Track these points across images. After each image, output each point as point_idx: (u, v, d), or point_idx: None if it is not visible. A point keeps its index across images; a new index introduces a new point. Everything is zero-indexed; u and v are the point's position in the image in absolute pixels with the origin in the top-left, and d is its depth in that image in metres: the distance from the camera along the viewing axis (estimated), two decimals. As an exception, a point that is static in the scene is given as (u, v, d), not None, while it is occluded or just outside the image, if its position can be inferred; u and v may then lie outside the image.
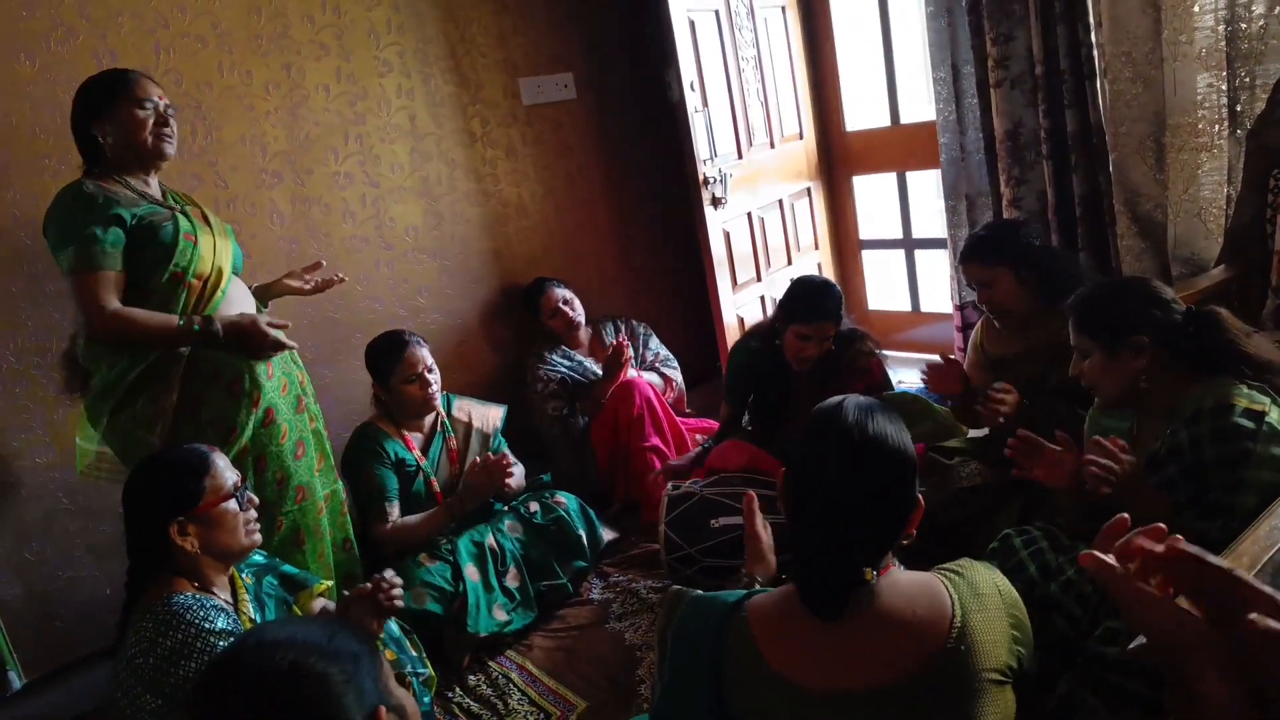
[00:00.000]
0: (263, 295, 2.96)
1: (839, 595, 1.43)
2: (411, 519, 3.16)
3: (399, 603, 2.18)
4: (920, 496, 1.51)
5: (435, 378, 3.27)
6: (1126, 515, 1.23)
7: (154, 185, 2.58)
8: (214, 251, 2.56)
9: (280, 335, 2.53)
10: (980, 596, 1.47)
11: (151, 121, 2.48)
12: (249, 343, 2.48)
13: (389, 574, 2.20)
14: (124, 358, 2.44)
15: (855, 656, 1.42)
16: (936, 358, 2.96)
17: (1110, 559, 1.15)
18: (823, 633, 1.44)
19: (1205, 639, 1.11)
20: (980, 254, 2.93)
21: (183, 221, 2.51)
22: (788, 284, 3.27)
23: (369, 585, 2.17)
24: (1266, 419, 1.90)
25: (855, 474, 1.44)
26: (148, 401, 2.46)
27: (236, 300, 2.64)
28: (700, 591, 1.70)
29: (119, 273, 2.39)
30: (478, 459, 3.28)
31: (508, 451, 3.40)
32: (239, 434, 2.52)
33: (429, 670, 2.61)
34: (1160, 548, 1.12)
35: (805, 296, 3.13)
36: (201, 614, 1.88)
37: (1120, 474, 1.96)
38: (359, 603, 2.15)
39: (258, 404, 2.56)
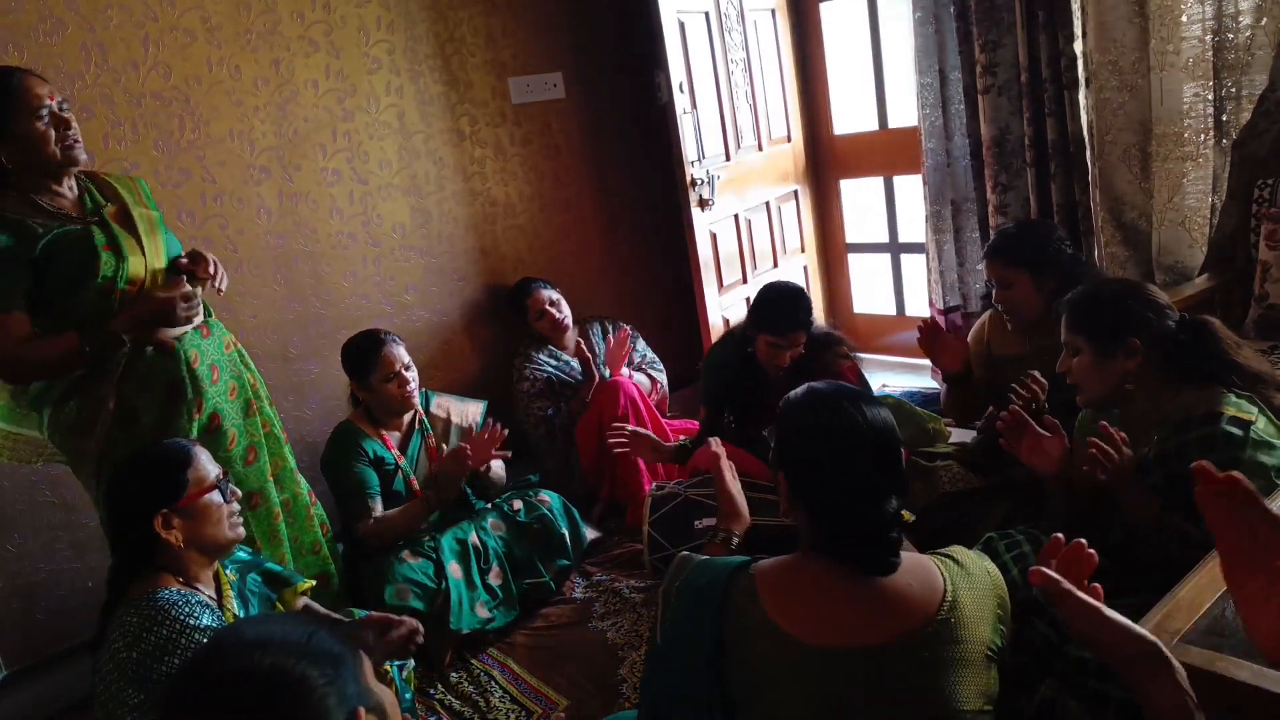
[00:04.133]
0: None
1: (894, 548, 1.53)
2: (392, 513, 3.15)
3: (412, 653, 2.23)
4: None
5: (413, 376, 3.25)
6: (1060, 536, 1.30)
7: (68, 189, 2.41)
8: (143, 254, 2.41)
9: (183, 288, 2.41)
10: (970, 576, 1.57)
11: (53, 131, 2.28)
12: (160, 320, 2.39)
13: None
14: None
15: (851, 618, 1.50)
16: (941, 324, 2.97)
17: (1055, 575, 1.24)
18: (825, 594, 1.54)
19: (1147, 649, 1.24)
20: (1004, 254, 2.91)
21: (98, 234, 2.34)
22: (757, 291, 3.26)
23: (401, 620, 2.19)
24: (1253, 427, 1.92)
25: (875, 455, 1.56)
26: (78, 408, 2.39)
27: None
28: (705, 557, 1.77)
29: (20, 314, 2.27)
30: (456, 441, 3.28)
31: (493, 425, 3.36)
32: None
33: (411, 659, 2.60)
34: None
35: (775, 307, 3.11)
36: (186, 610, 1.88)
37: (1118, 463, 1.97)
38: (378, 637, 2.15)
39: (200, 409, 2.49)
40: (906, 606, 1.50)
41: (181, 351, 2.46)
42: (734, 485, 2.17)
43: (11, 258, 2.24)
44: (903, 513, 1.55)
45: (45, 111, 2.27)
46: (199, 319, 2.52)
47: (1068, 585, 1.29)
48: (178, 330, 2.46)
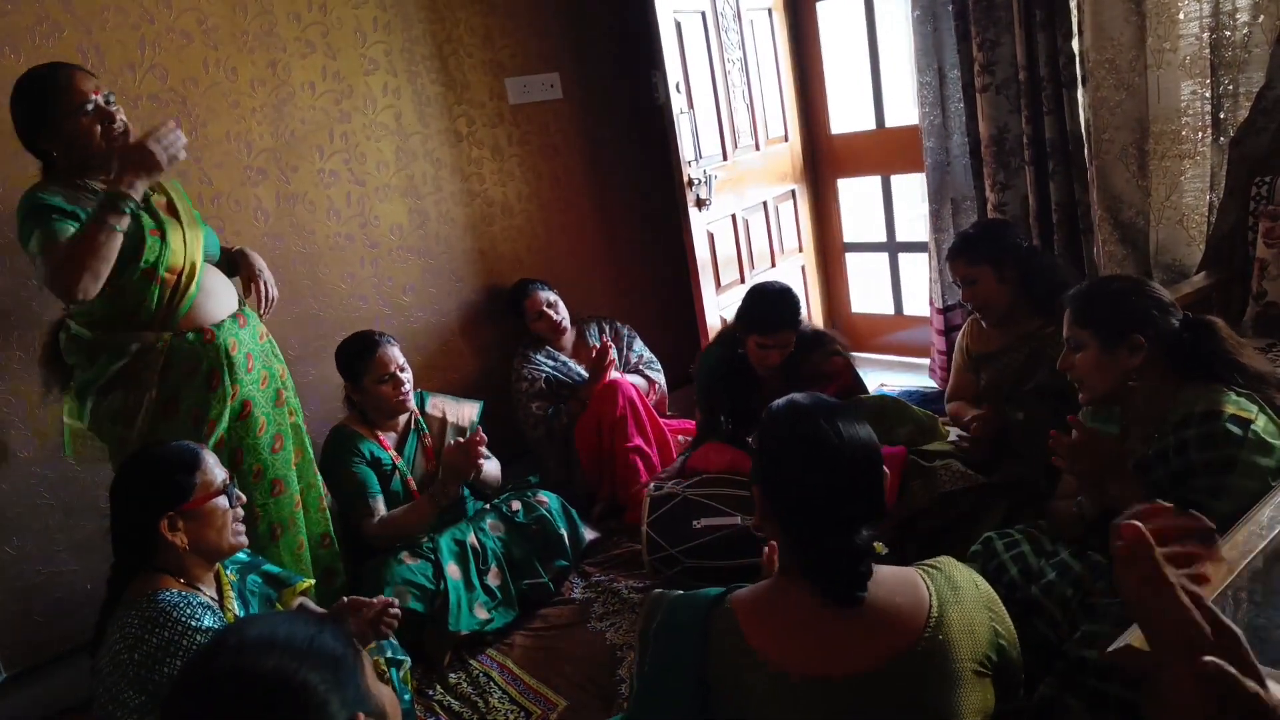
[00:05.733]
0: None
1: (861, 582, 1.47)
2: (397, 512, 3.16)
3: (391, 630, 2.24)
4: (885, 468, 1.58)
5: (408, 377, 3.25)
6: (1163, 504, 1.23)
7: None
8: (184, 244, 2.51)
9: (162, 139, 2.35)
10: (957, 589, 1.52)
11: (98, 126, 2.39)
12: (144, 162, 2.31)
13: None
14: (102, 354, 2.45)
15: (837, 645, 1.46)
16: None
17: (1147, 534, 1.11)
18: (807, 619, 1.49)
19: (1198, 642, 1.06)
20: (965, 251, 3.06)
21: (145, 219, 2.44)
22: (745, 292, 3.27)
23: (374, 601, 2.20)
24: (1252, 426, 1.91)
25: (848, 482, 1.51)
26: (123, 396, 2.46)
27: (213, 291, 2.61)
28: (680, 592, 1.70)
29: None
30: (452, 442, 3.28)
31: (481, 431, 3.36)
32: (216, 426, 2.53)
33: (408, 658, 2.61)
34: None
35: (762, 307, 3.15)
36: (188, 612, 1.87)
37: (1085, 459, 2.02)
38: (355, 617, 2.17)
39: (235, 396, 2.57)
40: (893, 627, 1.45)
41: (221, 339, 2.56)
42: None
43: (73, 215, 2.33)
44: (875, 545, 1.50)
45: (91, 106, 2.37)
46: (182, 155, 2.42)
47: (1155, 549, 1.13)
48: (217, 317, 2.58)
